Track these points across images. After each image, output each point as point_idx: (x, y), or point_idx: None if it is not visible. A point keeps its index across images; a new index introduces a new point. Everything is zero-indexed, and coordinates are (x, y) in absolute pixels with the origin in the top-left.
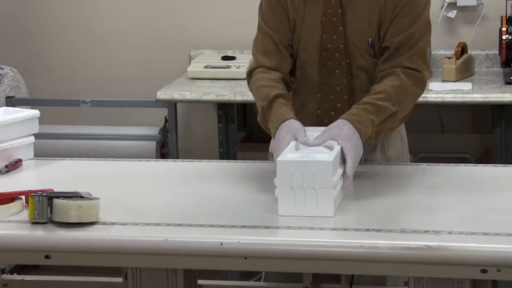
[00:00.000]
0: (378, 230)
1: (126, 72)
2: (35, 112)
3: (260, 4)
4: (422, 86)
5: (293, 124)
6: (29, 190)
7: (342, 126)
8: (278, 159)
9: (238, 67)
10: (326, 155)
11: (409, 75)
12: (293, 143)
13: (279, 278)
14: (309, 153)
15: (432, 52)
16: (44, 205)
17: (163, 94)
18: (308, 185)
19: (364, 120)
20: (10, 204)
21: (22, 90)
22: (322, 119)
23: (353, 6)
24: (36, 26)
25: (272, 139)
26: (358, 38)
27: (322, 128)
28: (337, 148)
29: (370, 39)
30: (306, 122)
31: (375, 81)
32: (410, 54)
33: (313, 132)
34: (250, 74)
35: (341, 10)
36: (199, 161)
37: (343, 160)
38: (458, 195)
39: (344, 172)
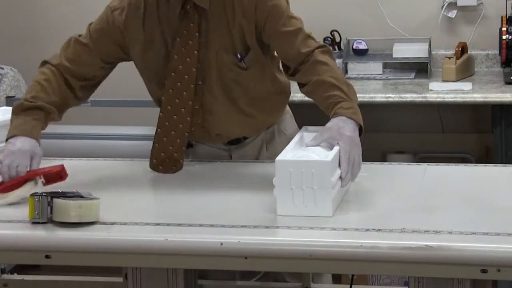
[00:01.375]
0: (378, 230)
1: (126, 72)
2: None
3: (90, 24)
4: (332, 55)
5: (35, 145)
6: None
7: (342, 125)
8: (277, 158)
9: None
10: (324, 155)
11: (321, 54)
12: (293, 142)
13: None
14: (308, 153)
15: (432, 52)
16: (44, 205)
17: None
18: (306, 185)
19: (356, 109)
20: (23, 188)
21: (22, 90)
22: (162, 138)
23: (213, 26)
24: (36, 26)
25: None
26: (225, 54)
27: (320, 128)
28: (336, 148)
29: (238, 53)
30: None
31: (250, 90)
32: (301, 42)
33: (312, 132)
34: (43, 63)
35: (198, 34)
36: (199, 161)
37: None
38: (458, 195)
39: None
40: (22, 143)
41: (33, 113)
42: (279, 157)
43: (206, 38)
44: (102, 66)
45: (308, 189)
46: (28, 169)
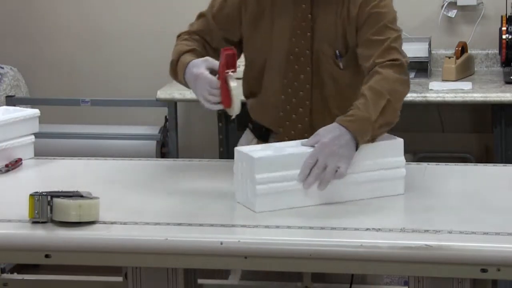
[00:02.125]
0: (378, 230)
1: (126, 71)
2: (35, 112)
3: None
4: (404, 71)
5: (197, 61)
6: None
7: (327, 132)
8: (235, 147)
9: (239, 66)
10: (270, 152)
11: (387, 66)
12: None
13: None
14: (278, 148)
15: (432, 52)
16: (44, 205)
17: (163, 93)
18: (244, 176)
19: (358, 119)
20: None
21: (22, 90)
22: (283, 121)
23: (322, 13)
24: (36, 26)
25: (187, 81)
26: (326, 46)
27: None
28: (297, 150)
29: (337, 50)
30: (268, 124)
31: (343, 91)
32: (380, 52)
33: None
34: (178, 36)
35: (310, 16)
36: (199, 161)
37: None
38: (458, 195)
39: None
40: (195, 63)
41: (190, 54)
42: (237, 147)
43: (315, 23)
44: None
45: (245, 180)
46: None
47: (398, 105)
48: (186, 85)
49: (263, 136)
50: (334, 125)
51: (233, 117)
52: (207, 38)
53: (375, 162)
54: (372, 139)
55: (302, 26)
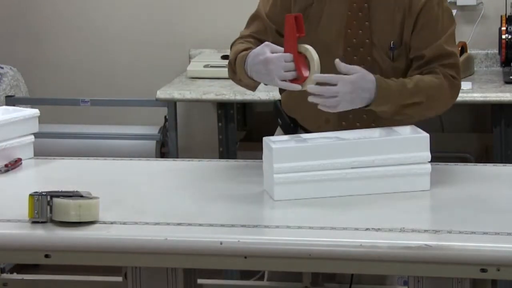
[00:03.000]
0: (378, 230)
1: (126, 71)
2: (35, 111)
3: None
4: (455, 92)
5: (256, 49)
6: None
7: (366, 79)
8: (264, 138)
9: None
10: (291, 143)
11: (447, 78)
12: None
13: (282, 277)
14: (303, 140)
15: None
16: (44, 205)
17: (163, 93)
18: (267, 165)
19: (392, 88)
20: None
21: (22, 89)
22: (346, 116)
23: (378, 3)
24: (36, 26)
25: (254, 73)
26: (381, 37)
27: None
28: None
29: (392, 41)
30: (312, 119)
31: None
32: (446, 63)
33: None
34: (232, 45)
35: (367, 4)
36: (198, 161)
37: None
38: (458, 194)
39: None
40: (256, 51)
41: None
42: (265, 138)
43: (371, 13)
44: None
45: (267, 169)
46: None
47: (428, 108)
48: (247, 80)
49: (291, 133)
50: (373, 79)
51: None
52: (262, 38)
53: (399, 156)
54: (382, 113)
55: (358, 16)
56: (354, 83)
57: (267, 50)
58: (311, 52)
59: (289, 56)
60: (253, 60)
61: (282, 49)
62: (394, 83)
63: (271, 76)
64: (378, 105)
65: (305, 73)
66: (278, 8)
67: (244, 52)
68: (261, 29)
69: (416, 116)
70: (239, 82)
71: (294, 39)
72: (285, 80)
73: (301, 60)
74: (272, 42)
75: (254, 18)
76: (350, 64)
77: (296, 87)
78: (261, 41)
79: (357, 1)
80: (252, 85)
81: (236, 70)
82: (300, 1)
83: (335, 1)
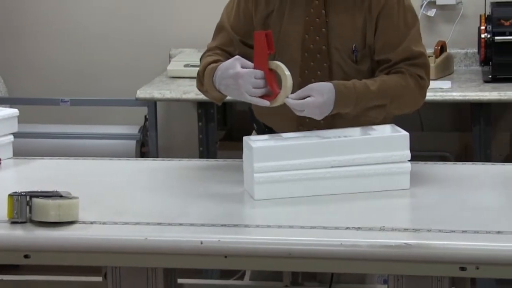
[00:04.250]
0: (358, 228)
1: (106, 71)
2: (14, 111)
3: (228, 5)
4: (423, 91)
5: (227, 62)
6: None
7: (322, 92)
8: (244, 137)
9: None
10: (270, 142)
11: (414, 78)
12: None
13: (265, 276)
14: (282, 139)
15: None
16: (23, 205)
17: (143, 93)
18: (248, 165)
19: (349, 96)
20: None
21: (1, 89)
22: (303, 119)
23: (336, 9)
24: (15, 25)
25: (222, 86)
26: (342, 42)
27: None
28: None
29: (354, 45)
30: (285, 125)
31: None
32: (413, 63)
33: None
34: (201, 59)
35: (324, 11)
36: (179, 160)
37: None
38: (437, 193)
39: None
40: (226, 65)
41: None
42: (245, 137)
43: (329, 18)
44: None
45: (248, 168)
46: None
47: (394, 108)
48: (214, 93)
49: None
50: (330, 87)
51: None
52: (229, 49)
53: (379, 155)
54: (346, 114)
55: (316, 22)
56: (321, 106)
57: (238, 65)
58: (283, 68)
59: (259, 73)
60: (223, 73)
61: (252, 64)
62: (356, 87)
63: (240, 90)
64: (339, 110)
65: (278, 89)
66: (242, 19)
67: (213, 65)
68: (227, 41)
69: (380, 117)
70: (205, 93)
71: (265, 56)
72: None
73: (273, 76)
74: (239, 53)
75: (219, 29)
76: (307, 70)
77: (265, 103)
78: (228, 53)
79: (315, 7)
80: (219, 98)
81: (204, 82)
82: (261, 10)
83: (294, 8)
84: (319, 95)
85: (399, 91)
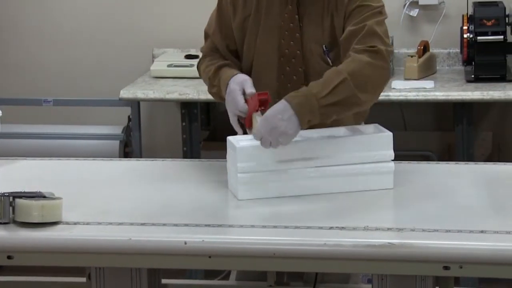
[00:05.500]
0: (342, 228)
1: (89, 71)
2: None
3: (213, 11)
4: (380, 57)
5: (240, 76)
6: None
7: (275, 105)
8: (227, 137)
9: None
10: (254, 142)
11: (362, 52)
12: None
13: (251, 276)
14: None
15: (395, 51)
16: (6, 205)
17: (126, 93)
18: (231, 165)
19: (303, 94)
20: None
21: None
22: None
23: (308, 12)
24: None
25: (225, 93)
26: (314, 44)
27: None
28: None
29: (324, 45)
30: None
31: None
32: (360, 38)
33: None
34: (198, 67)
35: (297, 16)
36: (162, 160)
37: None
38: (421, 193)
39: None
40: (236, 82)
41: (224, 69)
42: (229, 136)
43: (302, 23)
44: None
45: (231, 168)
46: (243, 100)
47: (360, 87)
48: (222, 94)
49: None
50: (281, 100)
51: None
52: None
53: (362, 154)
54: (322, 118)
55: (290, 27)
56: (268, 118)
57: (239, 89)
58: (257, 119)
59: (244, 110)
60: (229, 86)
61: (253, 91)
62: (305, 89)
63: (229, 108)
64: (304, 116)
65: (248, 125)
66: (224, 27)
67: (226, 70)
68: (214, 47)
69: (350, 98)
70: (212, 90)
71: (254, 110)
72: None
73: (251, 121)
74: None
75: (206, 36)
76: (283, 75)
77: (240, 131)
78: (222, 56)
79: (288, 12)
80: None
81: (219, 88)
82: (239, 14)
83: (270, 12)
84: (271, 109)
85: (350, 67)
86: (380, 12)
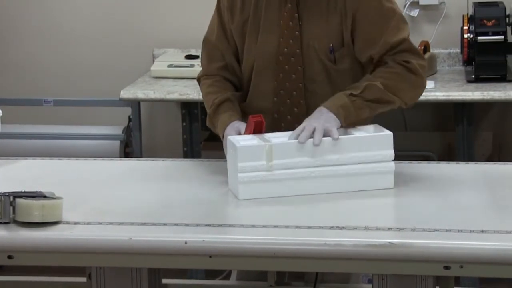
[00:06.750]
0: (342, 228)
1: (89, 71)
2: None
3: (211, 19)
4: (415, 74)
5: (235, 124)
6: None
7: (312, 114)
8: (228, 137)
9: None
10: (254, 142)
11: (399, 64)
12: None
13: (252, 276)
14: (266, 138)
15: None
16: (7, 205)
17: (126, 93)
18: (232, 164)
19: (336, 97)
20: None
21: None
22: (279, 123)
23: (310, 10)
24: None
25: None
26: (318, 43)
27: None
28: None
29: (331, 44)
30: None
31: (338, 87)
32: (394, 53)
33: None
34: (198, 80)
35: (297, 14)
36: (163, 160)
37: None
38: (421, 193)
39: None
40: (227, 131)
41: (223, 107)
42: (229, 136)
43: (302, 21)
44: (233, 53)
45: (232, 168)
46: None
47: (399, 103)
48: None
49: None
50: (322, 109)
51: None
52: (225, 74)
53: (363, 154)
54: (357, 112)
55: (289, 26)
56: (311, 120)
57: (234, 133)
58: None
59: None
60: (226, 132)
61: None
62: (344, 103)
63: (226, 150)
64: (338, 109)
65: None
66: (227, 34)
67: (224, 116)
68: (217, 56)
69: (382, 96)
70: (210, 125)
71: (250, 133)
72: None
73: None
74: (232, 65)
75: (207, 43)
76: (282, 73)
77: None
78: (226, 79)
79: (288, 10)
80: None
81: (216, 128)
82: (237, 19)
83: (269, 12)
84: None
85: (393, 81)
86: (403, 19)
